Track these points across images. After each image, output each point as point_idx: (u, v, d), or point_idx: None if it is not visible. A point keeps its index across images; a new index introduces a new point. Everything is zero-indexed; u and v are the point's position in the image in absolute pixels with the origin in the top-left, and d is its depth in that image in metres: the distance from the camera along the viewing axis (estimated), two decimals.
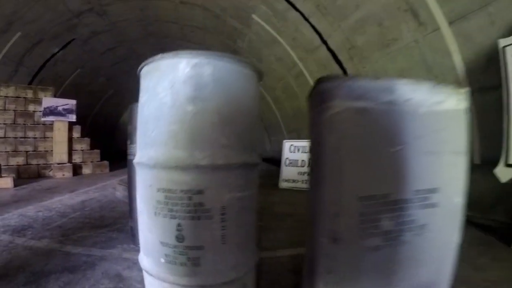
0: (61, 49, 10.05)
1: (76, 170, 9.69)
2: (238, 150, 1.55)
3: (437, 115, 1.45)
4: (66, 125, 9.55)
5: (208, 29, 10.41)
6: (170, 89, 1.47)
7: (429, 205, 1.47)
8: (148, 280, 1.68)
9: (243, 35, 9.71)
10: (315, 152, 1.51)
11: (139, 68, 1.67)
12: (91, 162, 10.23)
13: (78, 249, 2.93)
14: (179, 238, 1.49)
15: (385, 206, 1.40)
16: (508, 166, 3.43)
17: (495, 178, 4.04)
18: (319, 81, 1.40)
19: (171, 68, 1.49)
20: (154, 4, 9.22)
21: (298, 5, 6.90)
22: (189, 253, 1.50)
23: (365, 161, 1.38)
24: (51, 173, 9.01)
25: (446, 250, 1.55)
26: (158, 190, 1.51)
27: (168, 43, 12.27)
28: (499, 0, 3.86)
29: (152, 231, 1.57)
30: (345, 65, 7.21)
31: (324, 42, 7.27)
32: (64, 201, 5.42)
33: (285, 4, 7.02)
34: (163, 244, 1.52)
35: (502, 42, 3.51)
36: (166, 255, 1.52)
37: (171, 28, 10.83)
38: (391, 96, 1.37)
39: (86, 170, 10.05)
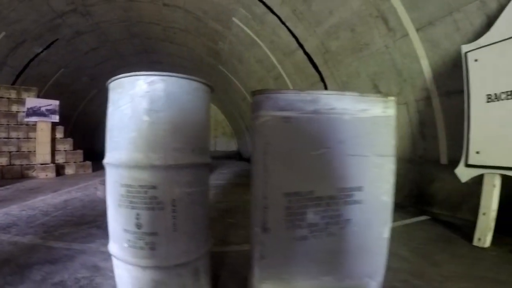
0: (44, 49, 9.96)
1: (59, 170, 9.64)
2: (186, 153, 1.80)
3: (362, 121, 1.61)
4: (49, 125, 9.49)
5: (190, 31, 10.41)
6: (130, 103, 1.74)
7: (353, 201, 1.62)
8: (115, 263, 1.89)
9: (224, 37, 9.75)
10: (251, 154, 1.67)
11: (107, 83, 1.90)
12: (74, 162, 10.19)
13: (59, 244, 3.11)
14: (138, 226, 1.74)
15: (310, 202, 1.56)
16: (468, 167, 3.56)
17: None
18: (253, 94, 1.58)
19: (131, 85, 1.76)
20: (137, 6, 9.17)
21: (275, 9, 6.97)
22: (146, 238, 1.74)
23: (290, 162, 1.54)
24: (34, 174, 8.96)
25: (376, 244, 1.67)
26: (121, 185, 1.76)
27: (151, 44, 12.26)
28: (464, 8, 4.01)
29: (117, 221, 1.81)
30: (320, 68, 7.34)
31: (301, 46, 7.37)
32: (47, 200, 5.48)
33: (263, 8, 7.09)
34: (125, 231, 1.76)
35: (465, 48, 3.64)
36: (128, 240, 1.76)
37: (154, 29, 10.79)
38: (315, 106, 1.54)
39: (69, 171, 10.01)
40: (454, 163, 3.80)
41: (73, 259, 2.71)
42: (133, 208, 1.74)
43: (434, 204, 4.98)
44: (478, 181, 3.58)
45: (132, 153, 1.74)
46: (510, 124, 3.17)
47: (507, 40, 3.20)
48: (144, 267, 1.77)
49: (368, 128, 1.62)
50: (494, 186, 3.34)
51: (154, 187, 1.72)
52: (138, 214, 1.73)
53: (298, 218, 1.56)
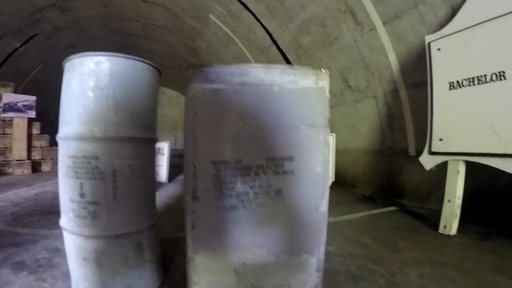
0: (23, 44, 9.68)
1: (36, 167, 9.31)
2: (128, 127, 1.88)
3: (292, 92, 1.56)
4: (26, 121, 9.19)
5: (168, 28, 10.26)
6: (79, 81, 1.85)
7: (284, 172, 1.55)
8: (64, 236, 1.95)
9: (202, 34, 9.63)
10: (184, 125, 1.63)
11: (62, 64, 2.00)
12: (51, 159, 9.82)
13: (25, 230, 3.21)
14: (82, 195, 1.82)
15: (238, 170, 1.51)
16: (432, 154, 3.52)
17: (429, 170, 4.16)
18: (186, 69, 1.55)
19: (81, 65, 1.87)
20: (117, 1, 8.95)
21: (250, 6, 6.90)
22: (88, 207, 1.82)
23: (217, 132, 1.51)
24: (10, 170, 8.67)
25: (313, 218, 1.59)
26: (69, 157, 1.86)
27: (131, 41, 12.02)
28: (429, 0, 3.99)
29: (65, 191, 1.89)
30: (293, 63, 7.28)
31: (274, 42, 7.33)
32: (20, 193, 5.38)
33: (239, 5, 7.01)
34: (71, 200, 1.84)
35: (428, 38, 3.63)
36: (73, 210, 1.84)
37: (134, 26, 10.57)
38: (243, 78, 1.51)
39: (45, 167, 9.68)
40: (421, 154, 3.76)
41: (36, 243, 2.81)
42: (77, 178, 1.82)
43: (404, 195, 4.97)
44: (445, 171, 3.53)
45: (77, 127, 1.82)
46: (471, 110, 3.16)
47: (468, 29, 3.21)
48: (87, 236, 1.82)
49: (298, 99, 1.57)
50: (458, 172, 3.31)
51: (96, 158, 1.81)
52: (82, 184, 1.81)
53: (227, 187, 1.51)
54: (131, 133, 1.89)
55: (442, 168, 3.72)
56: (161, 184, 6.76)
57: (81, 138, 1.82)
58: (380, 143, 5.52)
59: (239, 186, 1.51)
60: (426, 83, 3.68)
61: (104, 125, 1.81)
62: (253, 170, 1.52)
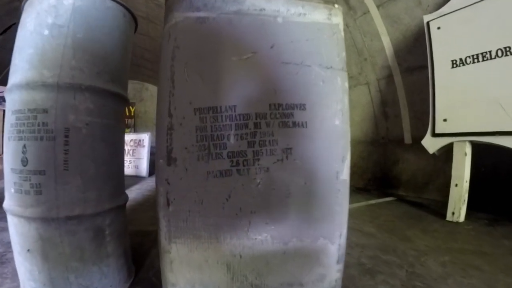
0: (1, 34, 9.08)
1: None
2: (89, 74, 1.43)
3: (300, 26, 1.16)
4: (1, 113, 8.58)
5: (151, 19, 9.80)
6: (35, 19, 1.43)
7: (294, 123, 1.10)
8: (8, 220, 1.47)
9: None
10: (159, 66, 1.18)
11: (21, 6, 1.61)
12: None
13: None
14: (24, 162, 1.35)
15: (232, 121, 1.06)
16: (435, 136, 3.17)
17: (426, 157, 3.82)
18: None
19: (40, 1, 1.45)
20: None
21: None
22: (32, 178, 1.34)
23: (204, 70, 1.07)
24: None
25: (330, 188, 1.14)
26: (12, 113, 1.41)
27: None
28: None
29: (7, 160, 1.43)
30: None
31: None
32: None
33: None
34: (12, 170, 1.38)
35: (426, 18, 3.34)
36: (14, 183, 1.37)
37: None
38: (238, 6, 1.12)
39: None
40: (419, 141, 3.46)
41: None
42: (20, 139, 1.36)
43: (399, 185, 4.63)
44: (444, 159, 3.22)
45: (26, 72, 1.38)
46: (476, 88, 2.87)
47: (470, 6, 2.94)
48: (29, 219, 1.34)
49: (309, 35, 1.15)
50: (465, 154, 2.97)
51: (45, 111, 1.35)
52: (24, 146, 1.35)
53: (216, 144, 1.05)
54: (93, 81, 1.43)
55: (440, 156, 3.42)
56: (141, 178, 6.23)
57: (28, 86, 1.35)
58: (373, 132, 5.14)
59: (233, 143, 1.05)
60: (422, 67, 3.43)
61: (59, 69, 1.36)
62: (253, 121, 1.07)
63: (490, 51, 2.74)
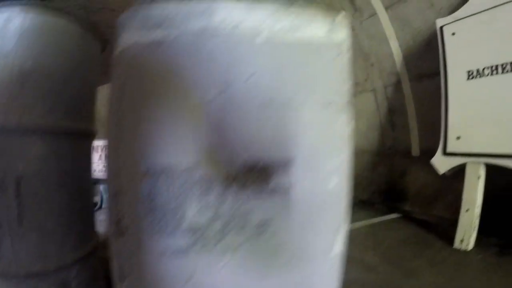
0: None
1: None
2: (40, 111, 1.24)
3: (289, 47, 0.85)
4: None
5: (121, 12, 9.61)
6: None
7: (275, 189, 0.81)
8: None
9: None
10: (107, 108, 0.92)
11: None
12: None
13: None
14: None
15: (192, 186, 0.79)
16: (447, 155, 2.91)
17: (435, 172, 3.58)
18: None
19: None
20: None
21: None
22: None
23: (157, 117, 0.80)
24: None
25: (321, 266, 0.88)
26: None
27: None
28: None
29: None
30: None
31: None
32: None
33: None
34: None
35: (440, 22, 3.06)
36: None
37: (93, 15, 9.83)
38: (206, 21, 0.82)
39: None
40: (427, 154, 3.22)
41: None
42: None
43: (406, 200, 4.36)
44: (454, 174, 3.00)
45: None
46: (495, 103, 2.56)
47: (490, 10, 2.62)
48: None
49: (301, 59, 0.85)
50: (479, 177, 2.68)
51: None
52: None
53: (170, 215, 0.79)
54: (44, 119, 1.23)
55: (453, 171, 3.10)
56: None
57: None
58: (379, 142, 4.87)
59: (193, 214, 0.78)
60: (433, 74, 3.15)
61: (3, 108, 1.18)
62: (219, 186, 0.80)
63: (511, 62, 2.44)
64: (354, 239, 2.95)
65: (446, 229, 3.04)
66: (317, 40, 0.88)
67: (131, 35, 0.84)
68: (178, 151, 0.79)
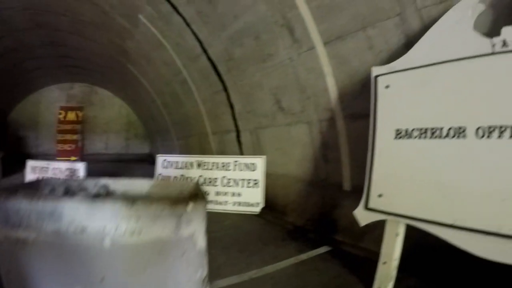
0: None
1: None
2: None
3: (134, 250, 0.85)
4: None
5: (98, 25, 9.14)
6: None
7: None
8: None
9: (132, 35, 8.61)
10: None
11: None
12: None
13: None
14: None
15: None
16: (368, 210, 2.90)
17: None
18: None
19: None
20: None
21: (180, 9, 6.06)
22: None
23: None
24: None
25: None
26: None
27: (59, 37, 10.71)
28: (380, 23, 3.36)
29: None
30: (224, 77, 6.57)
31: (205, 51, 6.56)
32: None
33: (169, 7, 6.14)
34: None
35: (375, 71, 2.96)
36: None
37: (62, 20, 9.28)
38: (57, 224, 0.83)
39: None
40: (358, 190, 3.23)
41: None
42: None
43: (337, 231, 4.39)
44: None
45: None
46: (419, 167, 2.53)
47: (427, 67, 2.54)
48: None
49: (147, 261, 0.84)
50: (397, 235, 2.68)
51: None
52: None
53: None
54: None
55: None
56: None
57: None
58: (312, 173, 4.91)
59: None
60: (367, 116, 3.05)
61: None
62: None
63: (441, 128, 2.38)
64: (276, 284, 2.93)
65: (370, 269, 2.99)
66: (163, 239, 0.86)
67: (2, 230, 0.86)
68: None
